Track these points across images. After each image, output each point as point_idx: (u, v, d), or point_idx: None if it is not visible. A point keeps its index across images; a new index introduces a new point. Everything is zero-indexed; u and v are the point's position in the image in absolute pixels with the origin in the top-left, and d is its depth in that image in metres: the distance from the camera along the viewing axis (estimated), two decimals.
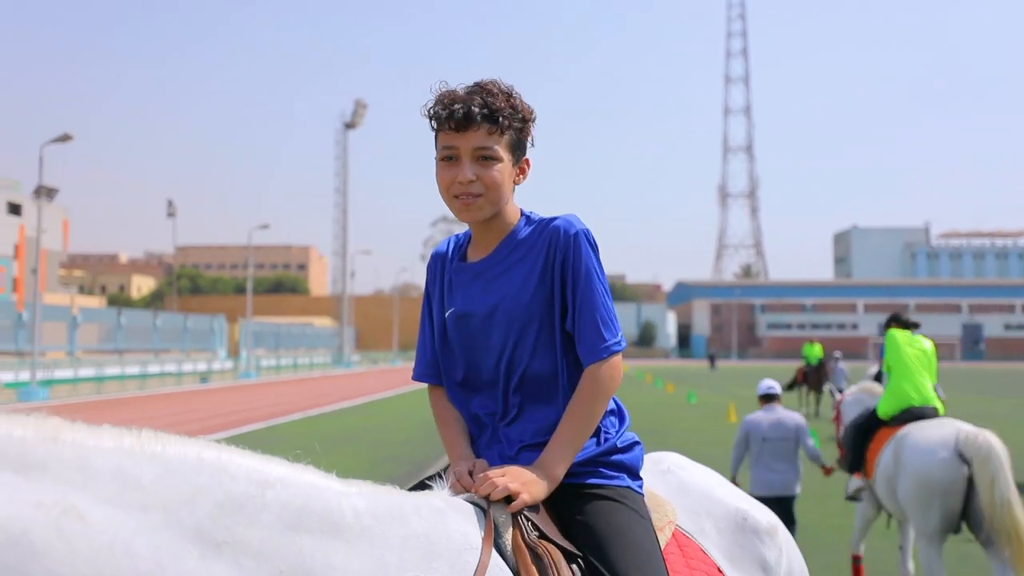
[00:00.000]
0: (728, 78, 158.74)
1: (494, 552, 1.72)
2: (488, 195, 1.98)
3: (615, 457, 2.01)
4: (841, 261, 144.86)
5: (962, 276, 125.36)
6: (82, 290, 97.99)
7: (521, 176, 2.06)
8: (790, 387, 24.72)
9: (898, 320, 6.26)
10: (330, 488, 1.61)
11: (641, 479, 2.06)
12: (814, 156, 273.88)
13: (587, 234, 1.99)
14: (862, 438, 6.11)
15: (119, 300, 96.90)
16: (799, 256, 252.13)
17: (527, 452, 1.97)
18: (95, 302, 72.29)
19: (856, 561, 6.60)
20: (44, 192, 32.04)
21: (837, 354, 23.64)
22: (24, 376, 30.18)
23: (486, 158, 1.96)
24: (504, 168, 1.99)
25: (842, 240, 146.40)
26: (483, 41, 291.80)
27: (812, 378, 23.44)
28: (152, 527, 1.36)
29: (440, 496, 1.80)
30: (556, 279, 1.98)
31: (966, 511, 5.21)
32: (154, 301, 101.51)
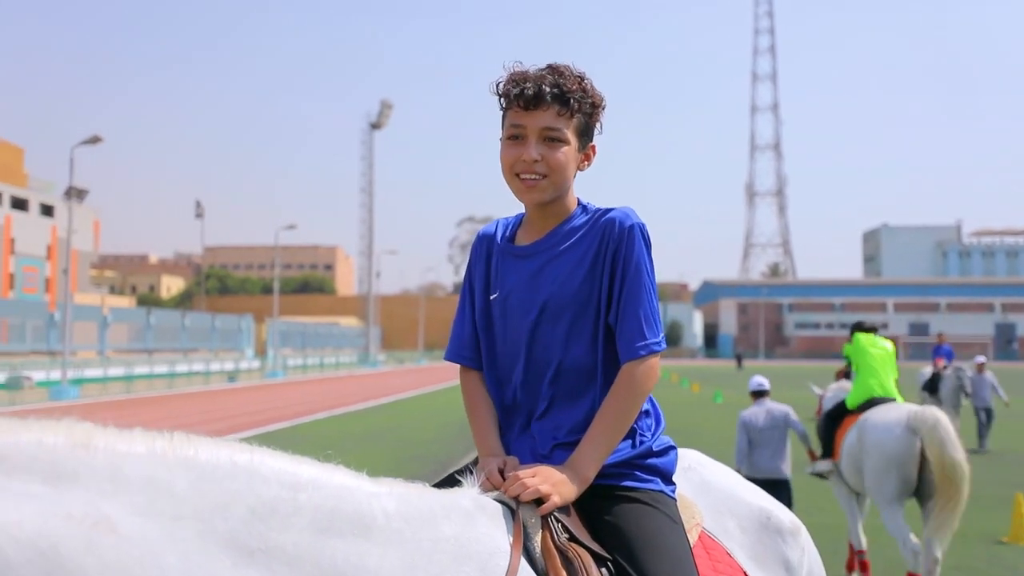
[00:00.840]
0: (755, 75, 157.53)
1: (523, 555, 1.68)
2: (552, 177, 1.94)
3: (650, 460, 1.96)
4: (870, 260, 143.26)
5: (995, 275, 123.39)
6: (113, 290, 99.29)
7: (586, 162, 2.03)
8: None
9: (861, 326, 7.24)
10: (361, 489, 1.58)
11: (674, 484, 2.01)
12: (843, 153, 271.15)
13: (642, 228, 1.95)
14: (832, 425, 7.02)
15: (149, 300, 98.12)
16: (827, 255, 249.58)
17: (560, 451, 1.92)
18: (125, 302, 73.24)
19: (860, 555, 6.90)
20: (74, 193, 32.50)
21: None
22: (55, 375, 30.62)
23: (553, 139, 1.93)
24: (570, 151, 1.95)
25: (871, 239, 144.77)
26: (508, 41, 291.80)
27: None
28: (184, 537, 1.32)
29: (469, 496, 1.76)
30: (605, 270, 1.93)
31: (920, 480, 6.07)
32: (183, 301, 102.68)
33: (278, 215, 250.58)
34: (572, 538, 1.76)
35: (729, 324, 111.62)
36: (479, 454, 2.00)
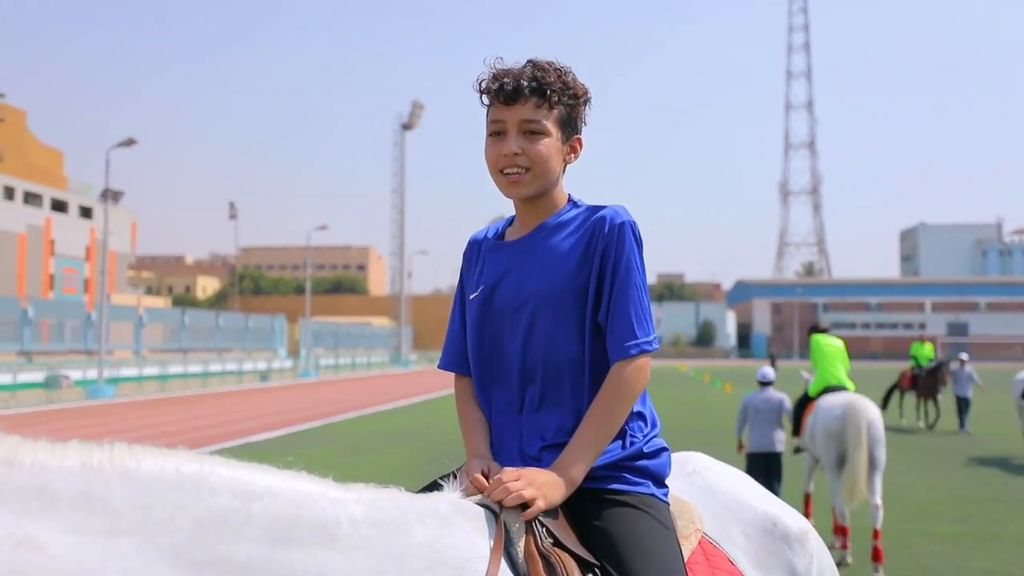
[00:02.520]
0: (790, 73, 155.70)
1: (504, 560, 1.63)
2: (534, 170, 1.93)
3: (640, 462, 1.91)
4: (908, 259, 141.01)
5: None
6: (150, 291, 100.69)
7: (572, 155, 2.01)
8: (888, 397, 19.69)
9: (816, 328, 8.96)
10: (324, 495, 1.52)
11: (667, 487, 1.96)
12: (879, 151, 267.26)
13: (633, 226, 1.92)
14: (800, 410, 8.64)
15: (185, 301, 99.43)
16: (864, 254, 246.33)
17: (549, 452, 1.88)
18: (162, 303, 74.25)
19: (807, 498, 8.51)
20: (111, 195, 32.96)
21: (963, 355, 19.24)
22: (92, 374, 31.12)
23: (532, 132, 1.92)
24: (551, 143, 1.94)
25: (909, 237, 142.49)
26: (543, 39, 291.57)
27: (923, 384, 19.19)
28: (122, 554, 1.26)
29: (448, 500, 1.70)
30: (594, 268, 1.90)
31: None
32: (218, 301, 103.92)
33: (311, 216, 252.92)
34: (557, 543, 1.72)
35: (763, 324, 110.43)
36: (467, 457, 1.97)
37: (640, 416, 1.96)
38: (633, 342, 1.87)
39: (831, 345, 8.53)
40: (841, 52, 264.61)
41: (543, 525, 1.73)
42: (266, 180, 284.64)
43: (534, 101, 1.90)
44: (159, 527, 1.31)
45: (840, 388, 8.19)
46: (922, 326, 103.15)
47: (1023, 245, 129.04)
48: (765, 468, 8.16)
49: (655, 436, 1.98)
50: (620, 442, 1.90)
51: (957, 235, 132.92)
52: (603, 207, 1.96)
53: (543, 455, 1.89)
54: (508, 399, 1.97)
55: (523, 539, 1.69)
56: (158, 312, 47.76)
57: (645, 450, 1.92)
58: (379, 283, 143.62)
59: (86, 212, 62.89)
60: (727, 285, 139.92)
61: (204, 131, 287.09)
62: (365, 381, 41.42)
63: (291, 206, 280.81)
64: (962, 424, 18.30)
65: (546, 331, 1.91)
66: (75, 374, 31.28)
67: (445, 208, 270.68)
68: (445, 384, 37.00)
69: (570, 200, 2.04)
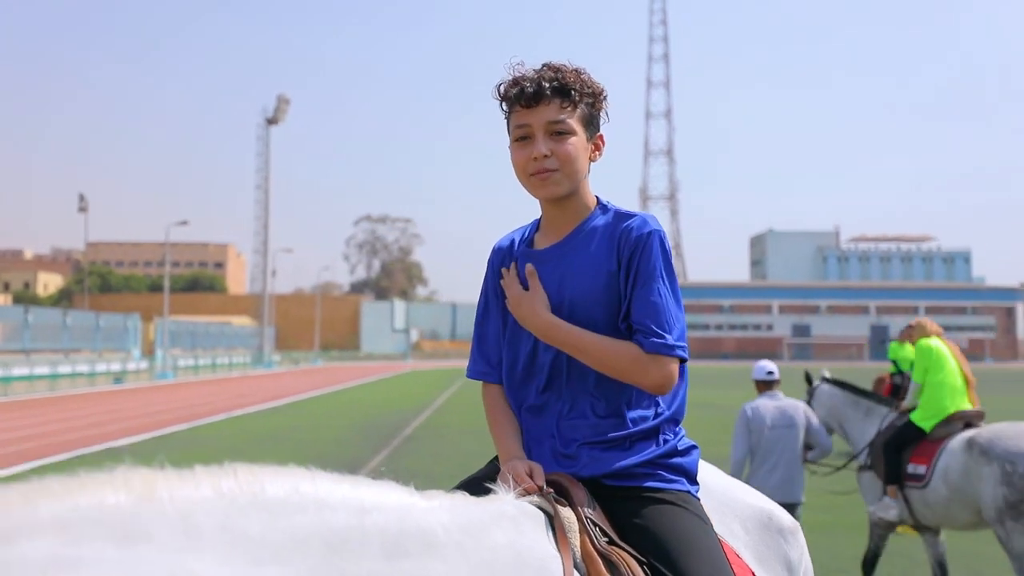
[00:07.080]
0: (650, 82, 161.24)
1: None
2: (564, 169, 1.94)
3: (675, 460, 1.95)
4: (757, 263, 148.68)
5: (870, 279, 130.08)
6: None
7: (597, 152, 2.04)
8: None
9: None
10: (416, 505, 1.55)
11: (698, 484, 2.00)
12: (733, 160, 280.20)
13: (661, 235, 1.94)
14: None
15: (24, 298, 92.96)
16: (717, 258, 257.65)
17: (585, 448, 1.91)
18: None
19: None
20: None
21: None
22: None
23: (559, 132, 1.94)
24: (578, 142, 1.96)
25: (758, 243, 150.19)
26: (407, 41, 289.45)
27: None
28: None
29: (509, 502, 1.74)
30: (622, 278, 1.93)
31: None
32: (62, 299, 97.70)
33: (167, 211, 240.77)
34: (612, 542, 1.76)
35: None
36: (500, 460, 1.98)
37: (674, 420, 2.00)
38: (651, 340, 1.89)
39: None
40: (699, 61, 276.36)
41: (596, 524, 1.76)
42: (117, 173, 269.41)
43: (558, 102, 1.93)
44: (295, 553, 1.33)
45: None
46: (769, 327, 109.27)
47: (858, 252, 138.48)
48: None
49: (684, 435, 2.03)
50: (654, 441, 1.94)
51: (801, 242, 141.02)
52: (632, 215, 1.98)
53: (580, 452, 1.91)
54: (541, 403, 1.99)
55: (578, 539, 1.72)
56: None
57: (679, 447, 1.97)
58: (238, 281, 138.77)
59: None
60: None
61: (48, 116, 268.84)
62: (228, 382, 39.98)
63: (142, 200, 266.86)
64: None
65: None
66: None
67: (310, 206, 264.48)
68: (312, 386, 36.22)
69: (599, 203, 2.05)
